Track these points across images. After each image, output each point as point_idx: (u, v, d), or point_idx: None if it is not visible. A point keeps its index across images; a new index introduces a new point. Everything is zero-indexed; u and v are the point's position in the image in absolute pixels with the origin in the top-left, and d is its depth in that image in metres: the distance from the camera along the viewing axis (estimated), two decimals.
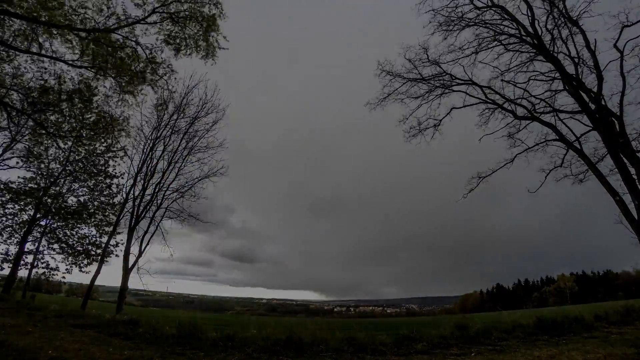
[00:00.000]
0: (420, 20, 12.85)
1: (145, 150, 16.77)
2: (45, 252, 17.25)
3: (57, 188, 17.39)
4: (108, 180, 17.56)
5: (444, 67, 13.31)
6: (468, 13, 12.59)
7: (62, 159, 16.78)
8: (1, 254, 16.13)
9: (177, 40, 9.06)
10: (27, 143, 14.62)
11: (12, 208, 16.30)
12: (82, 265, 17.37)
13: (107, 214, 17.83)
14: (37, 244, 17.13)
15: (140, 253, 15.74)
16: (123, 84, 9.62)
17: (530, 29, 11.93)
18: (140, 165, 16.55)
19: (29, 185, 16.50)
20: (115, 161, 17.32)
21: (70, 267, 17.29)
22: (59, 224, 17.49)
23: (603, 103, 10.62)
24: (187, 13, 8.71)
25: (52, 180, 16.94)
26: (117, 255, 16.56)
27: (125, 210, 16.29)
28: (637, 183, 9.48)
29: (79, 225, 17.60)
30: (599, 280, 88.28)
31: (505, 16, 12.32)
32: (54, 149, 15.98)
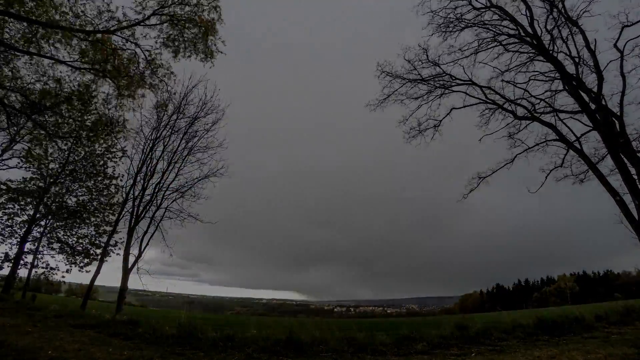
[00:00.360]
0: (420, 21, 12.87)
1: (145, 150, 16.77)
2: (45, 252, 17.26)
3: (57, 188, 17.40)
4: (107, 181, 17.57)
5: (444, 68, 13.34)
6: (467, 14, 12.62)
7: (61, 160, 16.79)
8: (1, 254, 16.14)
9: (176, 43, 9.09)
10: (26, 144, 14.63)
11: (12, 208, 16.31)
12: (81, 265, 17.37)
13: (106, 214, 17.83)
14: (36, 243, 17.14)
15: (140, 253, 15.72)
16: (122, 87, 9.62)
17: (529, 29, 11.93)
18: (140, 165, 16.55)
19: (29, 185, 16.51)
20: (115, 162, 17.33)
21: (70, 267, 17.29)
22: (58, 223, 17.49)
23: (603, 103, 10.62)
24: (186, 16, 8.73)
25: (51, 180, 16.94)
26: (117, 254, 16.56)
27: (125, 210, 16.28)
28: (638, 183, 9.47)
29: (78, 225, 17.60)
30: (600, 280, 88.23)
31: (504, 17, 12.32)
32: (54, 149, 16.01)
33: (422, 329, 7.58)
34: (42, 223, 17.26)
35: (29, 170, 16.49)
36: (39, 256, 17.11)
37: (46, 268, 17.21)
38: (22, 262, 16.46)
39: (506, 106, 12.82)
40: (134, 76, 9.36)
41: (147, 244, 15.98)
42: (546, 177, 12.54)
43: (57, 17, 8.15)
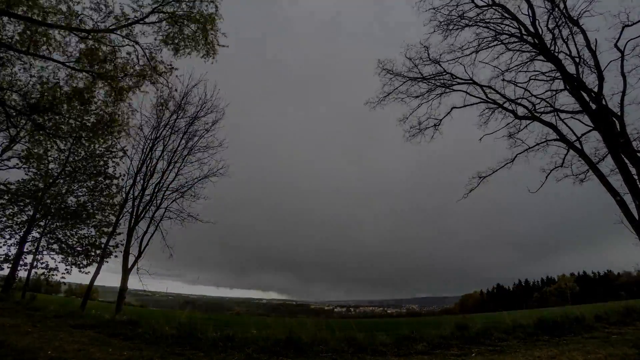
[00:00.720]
0: (421, 19, 12.87)
1: (144, 150, 16.73)
2: (45, 252, 17.24)
3: (56, 189, 17.38)
4: (107, 181, 17.55)
5: (445, 67, 13.34)
6: (468, 12, 12.58)
7: (61, 160, 16.77)
8: (1, 254, 16.13)
9: (176, 40, 9.05)
10: (26, 144, 14.61)
11: (11, 209, 16.29)
12: (81, 265, 17.35)
13: (106, 214, 17.81)
14: (36, 244, 17.12)
15: (140, 253, 15.69)
16: (120, 87, 9.60)
17: (531, 29, 11.90)
18: (139, 165, 16.51)
19: (28, 186, 16.50)
20: (115, 162, 17.31)
21: (70, 267, 17.28)
22: (58, 224, 17.48)
23: (604, 103, 10.59)
24: (185, 12, 8.69)
25: (51, 180, 16.93)
26: (116, 256, 16.54)
27: (125, 210, 16.26)
28: (638, 183, 9.46)
29: (78, 226, 17.58)
30: (600, 280, 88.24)
31: (506, 15, 12.30)
32: (53, 150, 15.98)
33: (422, 329, 7.57)
34: (42, 223, 17.25)
35: (29, 171, 16.49)
36: (39, 257, 17.10)
37: (46, 268, 17.20)
38: (21, 262, 16.46)
39: (506, 105, 12.81)
40: (134, 74, 9.33)
41: (147, 244, 15.97)
42: (546, 177, 12.54)
43: (56, 17, 8.14)
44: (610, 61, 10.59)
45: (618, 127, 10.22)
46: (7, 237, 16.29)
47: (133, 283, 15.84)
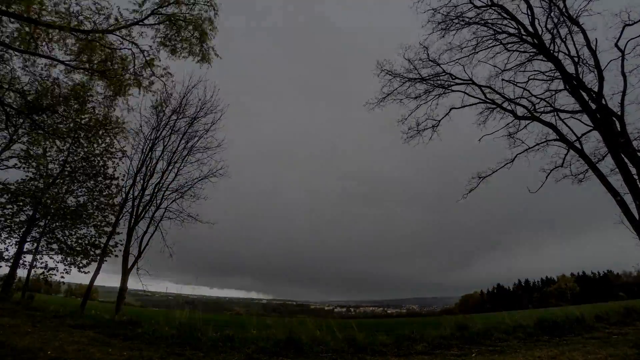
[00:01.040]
0: (419, 19, 12.86)
1: (144, 150, 16.75)
2: (44, 252, 17.20)
3: (56, 189, 17.34)
4: (107, 181, 17.53)
5: (444, 67, 13.32)
6: (467, 12, 12.56)
7: (60, 160, 16.75)
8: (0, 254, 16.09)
9: (174, 43, 9.08)
10: (25, 144, 14.60)
11: (10, 209, 16.26)
12: (80, 265, 17.32)
13: (106, 214, 17.78)
14: (36, 244, 17.09)
15: (140, 253, 15.70)
16: (120, 87, 9.60)
17: (530, 29, 11.90)
18: (139, 165, 16.53)
19: (28, 186, 16.46)
20: (114, 162, 17.29)
21: (69, 267, 17.24)
22: (57, 224, 17.44)
23: (604, 102, 10.59)
24: (184, 16, 8.72)
25: (50, 180, 16.90)
26: (116, 256, 16.53)
27: (125, 210, 16.27)
28: (638, 183, 9.45)
29: (78, 226, 17.55)
30: (600, 280, 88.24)
31: (505, 15, 12.29)
32: (52, 150, 15.97)
33: (423, 329, 7.57)
34: (41, 223, 17.22)
35: (28, 171, 16.46)
36: (38, 257, 17.06)
37: (45, 268, 17.16)
38: (21, 262, 16.43)
39: (506, 105, 12.80)
40: (131, 76, 9.33)
41: (147, 244, 15.97)
42: (546, 177, 12.53)
43: (54, 17, 8.12)
44: (611, 60, 10.60)
45: (618, 126, 10.22)
46: (7, 237, 16.25)
47: (133, 283, 15.86)
